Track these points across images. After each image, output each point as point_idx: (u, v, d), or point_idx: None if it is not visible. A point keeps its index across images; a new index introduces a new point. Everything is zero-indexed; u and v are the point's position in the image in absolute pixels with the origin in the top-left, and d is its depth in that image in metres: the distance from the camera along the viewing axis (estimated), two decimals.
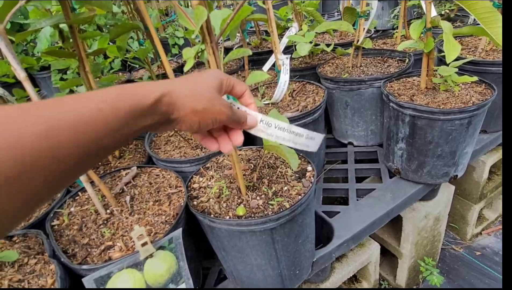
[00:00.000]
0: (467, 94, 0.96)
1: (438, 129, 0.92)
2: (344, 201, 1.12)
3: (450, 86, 0.96)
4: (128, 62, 1.78)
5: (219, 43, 0.57)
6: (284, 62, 1.09)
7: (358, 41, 1.22)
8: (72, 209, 0.78)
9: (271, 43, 1.10)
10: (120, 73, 1.89)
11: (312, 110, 1.02)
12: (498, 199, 1.71)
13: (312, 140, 0.46)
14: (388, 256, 1.44)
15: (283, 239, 0.70)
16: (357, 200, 1.08)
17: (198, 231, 0.78)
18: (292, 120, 1.00)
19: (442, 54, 0.88)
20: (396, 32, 1.48)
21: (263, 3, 1.04)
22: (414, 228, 1.22)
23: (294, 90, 1.20)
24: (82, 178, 0.70)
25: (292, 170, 0.79)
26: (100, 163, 1.07)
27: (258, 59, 1.65)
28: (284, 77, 1.09)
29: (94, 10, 0.71)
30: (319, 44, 1.33)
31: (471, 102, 0.92)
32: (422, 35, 0.96)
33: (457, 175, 1.04)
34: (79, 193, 0.84)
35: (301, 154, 0.84)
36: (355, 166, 1.24)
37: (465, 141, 0.96)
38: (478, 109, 0.89)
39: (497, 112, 1.19)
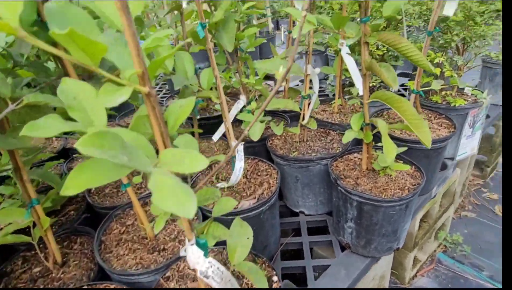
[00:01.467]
0: (402, 178, 1.09)
1: (382, 213, 1.02)
2: (301, 275, 1.15)
3: (388, 172, 1.08)
4: None
5: None
6: (239, 149, 1.11)
7: (303, 119, 1.31)
8: None
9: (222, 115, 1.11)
10: (54, 138, 1.73)
11: (268, 198, 1.06)
12: (427, 242, 1.93)
13: None
14: None
15: None
16: (315, 279, 1.11)
17: None
18: (250, 210, 1.01)
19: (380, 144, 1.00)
20: (334, 102, 1.63)
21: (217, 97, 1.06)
22: None
23: (248, 170, 1.23)
24: None
25: None
26: (38, 274, 0.94)
27: (206, 124, 1.65)
28: (239, 163, 1.11)
29: None
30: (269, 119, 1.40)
31: (407, 187, 1.04)
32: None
33: (399, 247, 1.16)
34: None
35: (263, 259, 0.85)
36: (309, 238, 1.29)
37: (404, 220, 1.07)
38: (413, 195, 1.01)
39: (427, 180, 1.36)
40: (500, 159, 2.70)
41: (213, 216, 0.66)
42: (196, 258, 0.53)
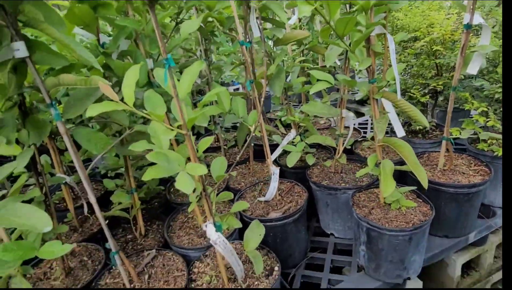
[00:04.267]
0: (412, 213, 1.23)
1: (386, 241, 1.18)
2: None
3: (399, 206, 1.24)
4: None
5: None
6: (274, 172, 1.42)
7: (338, 155, 1.54)
8: (107, 281, 1.11)
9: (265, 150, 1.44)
10: None
11: (293, 213, 1.33)
12: None
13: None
14: None
15: None
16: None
17: None
18: (276, 220, 1.30)
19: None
20: None
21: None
22: None
23: (283, 191, 1.52)
24: (118, 261, 1.02)
25: (265, 268, 1.08)
26: (129, 239, 1.41)
27: (261, 150, 2.01)
28: (274, 184, 1.41)
29: None
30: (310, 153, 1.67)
31: (412, 222, 1.18)
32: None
33: (409, 277, 1.27)
34: (113, 267, 1.17)
35: (272, 255, 1.13)
36: (332, 256, 1.48)
37: (410, 251, 1.20)
38: (416, 229, 1.15)
39: (458, 224, 1.42)
40: None
41: (231, 211, 0.99)
42: (210, 231, 0.86)
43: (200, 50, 2.04)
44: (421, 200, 1.32)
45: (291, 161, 1.49)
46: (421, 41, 1.58)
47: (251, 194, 1.56)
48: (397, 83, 1.03)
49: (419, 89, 1.71)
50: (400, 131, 1.58)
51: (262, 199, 1.47)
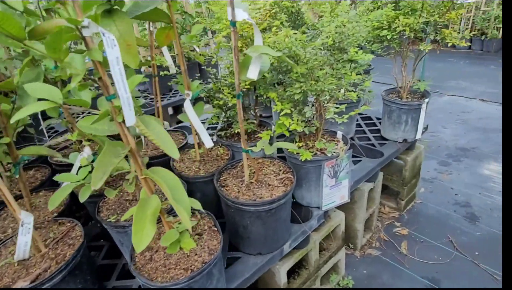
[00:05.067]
0: (197, 253, 1.02)
1: None
2: None
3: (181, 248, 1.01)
4: None
5: None
6: (24, 222, 1.02)
7: (130, 181, 1.23)
8: None
9: None
10: None
11: (51, 276, 0.97)
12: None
13: None
14: None
15: None
16: None
17: None
18: None
19: None
20: (194, 150, 1.56)
21: None
22: None
23: (54, 239, 1.14)
24: None
25: None
26: None
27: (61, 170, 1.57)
28: (23, 238, 1.02)
29: None
30: None
31: (192, 267, 0.97)
32: None
33: None
34: None
35: None
36: None
37: None
38: (192, 278, 0.93)
39: (268, 240, 1.30)
40: (416, 190, 2.67)
41: None
42: None
43: None
44: (216, 229, 1.13)
45: (52, 203, 1.10)
46: (220, 36, 1.37)
47: (7, 251, 1.13)
48: (124, 106, 0.75)
49: (230, 91, 1.52)
50: (208, 142, 1.37)
51: (15, 258, 1.06)
